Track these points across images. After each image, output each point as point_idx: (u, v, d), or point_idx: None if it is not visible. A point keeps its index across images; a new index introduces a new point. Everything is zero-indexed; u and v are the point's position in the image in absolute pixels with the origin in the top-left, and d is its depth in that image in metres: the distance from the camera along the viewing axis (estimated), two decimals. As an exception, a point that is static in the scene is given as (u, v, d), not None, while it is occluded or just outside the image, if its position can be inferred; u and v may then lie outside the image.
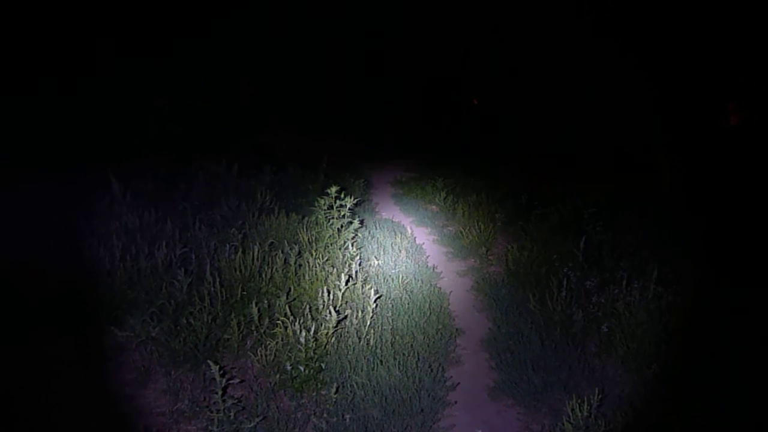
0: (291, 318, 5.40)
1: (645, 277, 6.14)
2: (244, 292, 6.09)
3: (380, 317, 6.13)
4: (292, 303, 5.96)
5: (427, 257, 8.53)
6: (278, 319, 5.43)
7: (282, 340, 5.23)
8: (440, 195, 11.47)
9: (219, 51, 14.35)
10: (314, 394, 5.05)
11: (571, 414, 4.43)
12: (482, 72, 18.43)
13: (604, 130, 12.44)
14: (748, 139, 10.25)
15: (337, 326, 5.53)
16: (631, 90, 11.22)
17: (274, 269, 6.48)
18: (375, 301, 5.95)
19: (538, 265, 7.39)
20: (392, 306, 6.45)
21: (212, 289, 5.79)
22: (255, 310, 5.53)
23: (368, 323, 5.78)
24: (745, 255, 7.04)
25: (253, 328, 5.60)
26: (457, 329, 6.42)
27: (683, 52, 9.68)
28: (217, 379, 4.40)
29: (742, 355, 4.98)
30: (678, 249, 7.52)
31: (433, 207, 11.50)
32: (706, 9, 9.22)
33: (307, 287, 6.38)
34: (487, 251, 8.64)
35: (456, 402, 5.14)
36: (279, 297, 5.96)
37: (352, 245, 7.49)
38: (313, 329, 5.23)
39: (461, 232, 9.19)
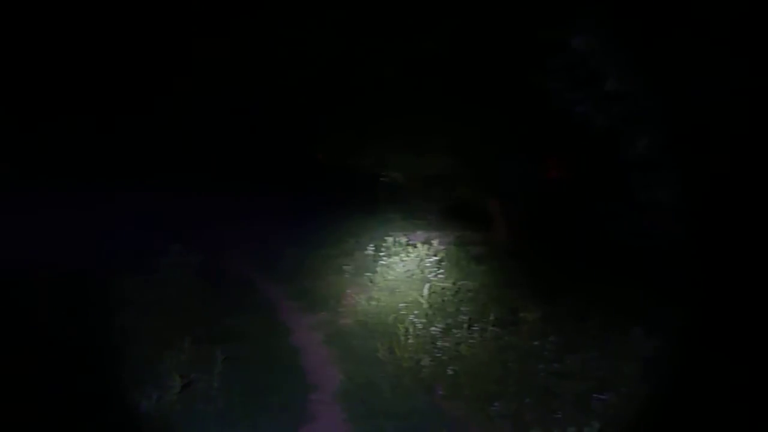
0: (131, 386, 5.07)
1: (484, 319, 6.52)
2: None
3: (229, 379, 5.91)
4: (133, 369, 5.60)
5: (279, 313, 8.42)
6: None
7: (122, 410, 4.88)
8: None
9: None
10: (159, 467, 4.74)
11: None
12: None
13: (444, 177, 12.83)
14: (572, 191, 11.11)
15: (181, 392, 5.26)
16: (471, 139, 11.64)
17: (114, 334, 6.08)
18: (222, 363, 5.75)
19: (386, 314, 7.57)
20: (242, 366, 6.25)
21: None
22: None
23: (215, 386, 5.55)
24: (581, 296, 7.54)
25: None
26: (310, 385, 6.35)
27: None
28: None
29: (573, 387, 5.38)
30: (516, 292, 8.01)
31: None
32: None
33: (149, 351, 6.03)
34: (336, 303, 8.70)
35: (311, 459, 5.06)
36: (119, 363, 5.57)
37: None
38: (155, 397, 4.94)
39: (311, 287, 9.20)
